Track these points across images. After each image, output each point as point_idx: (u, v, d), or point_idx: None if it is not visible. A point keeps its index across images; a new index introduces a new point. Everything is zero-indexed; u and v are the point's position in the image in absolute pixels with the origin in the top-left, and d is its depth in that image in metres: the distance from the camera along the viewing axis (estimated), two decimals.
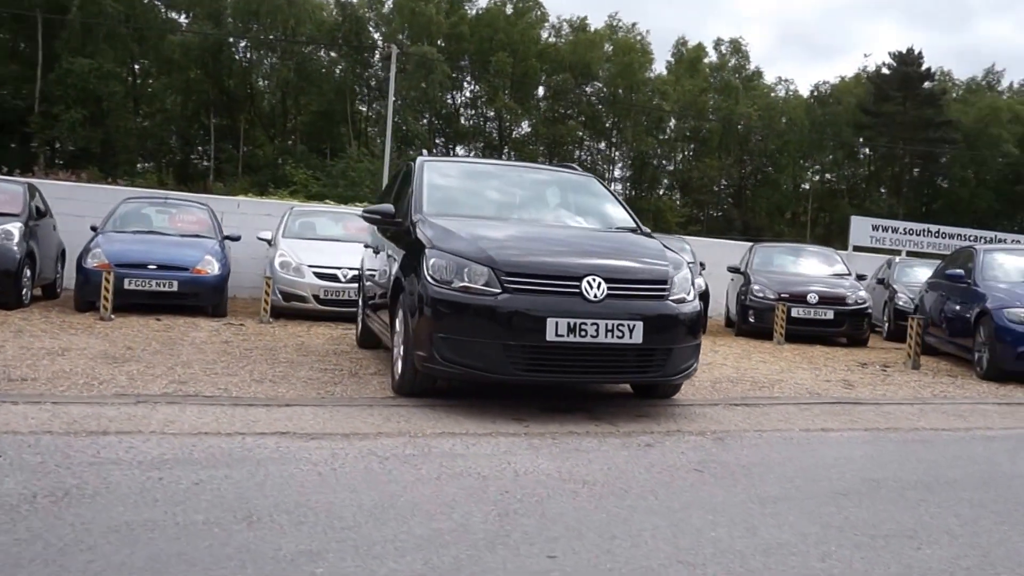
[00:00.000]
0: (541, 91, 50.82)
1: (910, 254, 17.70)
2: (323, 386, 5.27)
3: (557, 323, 4.40)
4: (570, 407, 4.93)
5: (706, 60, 53.36)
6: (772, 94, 54.70)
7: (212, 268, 9.82)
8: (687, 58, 53.03)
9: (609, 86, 50.30)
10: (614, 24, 52.46)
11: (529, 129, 51.69)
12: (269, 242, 11.02)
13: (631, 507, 3.02)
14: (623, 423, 4.59)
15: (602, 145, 54.86)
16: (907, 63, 50.16)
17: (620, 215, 6.04)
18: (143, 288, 9.27)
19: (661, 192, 53.51)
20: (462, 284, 4.55)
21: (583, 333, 4.43)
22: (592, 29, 51.25)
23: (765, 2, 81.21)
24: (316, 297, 9.86)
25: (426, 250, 4.79)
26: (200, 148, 47.88)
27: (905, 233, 18.84)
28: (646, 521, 2.86)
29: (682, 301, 4.84)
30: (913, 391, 6.74)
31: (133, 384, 4.88)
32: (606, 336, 4.47)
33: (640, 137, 50.60)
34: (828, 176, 55.81)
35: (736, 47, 53.21)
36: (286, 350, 7.07)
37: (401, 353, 4.98)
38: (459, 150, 52.04)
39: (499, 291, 4.47)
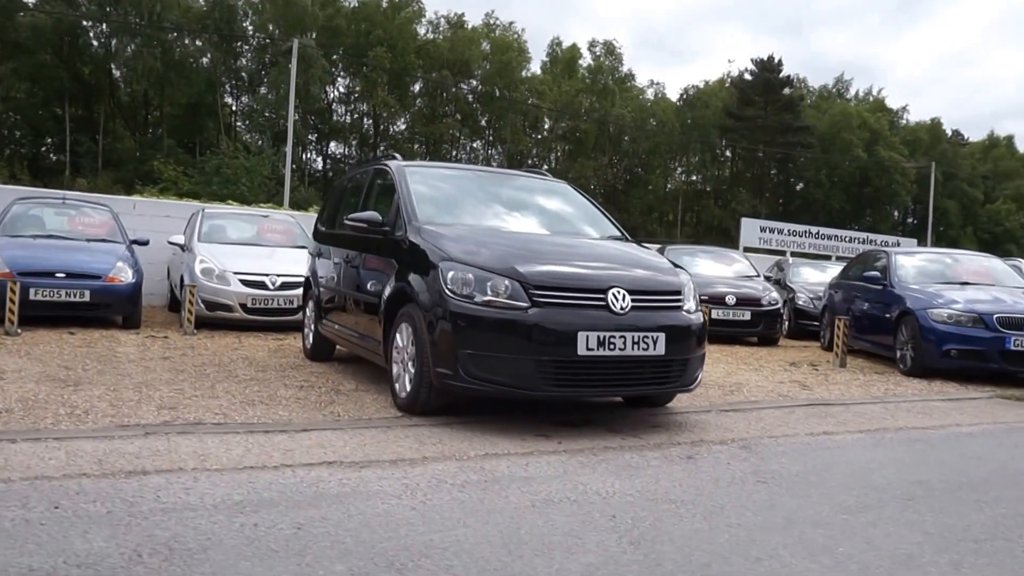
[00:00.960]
0: (418, 87, 50.38)
1: (793, 255, 18.83)
2: (321, 406, 4.96)
3: (587, 336, 4.35)
4: (577, 420, 4.87)
5: (581, 62, 54.69)
6: (642, 96, 56.79)
7: (126, 276, 9.09)
8: (562, 59, 54.11)
9: (486, 84, 50.54)
10: (491, 23, 52.81)
11: (404, 126, 51.16)
12: (182, 247, 10.31)
13: (740, 525, 3.02)
14: (644, 435, 4.59)
15: (477, 144, 55.18)
16: (768, 70, 53.48)
17: (606, 223, 6.06)
18: (51, 299, 8.45)
19: None
20: (486, 298, 4.41)
21: (611, 346, 4.41)
22: (470, 27, 51.33)
23: (621, 5, 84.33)
24: (243, 306, 9.31)
25: (441, 262, 4.61)
26: (51, 140, 44.18)
27: (789, 235, 20.03)
28: (768, 539, 2.87)
29: (691, 311, 4.91)
30: (863, 390, 7.16)
31: (120, 412, 4.42)
32: (632, 348, 4.46)
33: (517, 136, 51.19)
34: (695, 177, 58.60)
35: (610, 49, 54.87)
36: (238, 365, 6.63)
37: (409, 369, 4.76)
38: (332, 146, 50.81)
39: (528, 305, 4.36)
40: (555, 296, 4.41)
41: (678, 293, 4.85)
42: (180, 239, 10.42)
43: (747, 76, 55.08)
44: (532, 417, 4.83)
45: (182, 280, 9.82)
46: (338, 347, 7.14)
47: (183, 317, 8.98)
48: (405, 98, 47.83)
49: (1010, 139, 69.19)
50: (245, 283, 9.36)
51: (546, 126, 54.00)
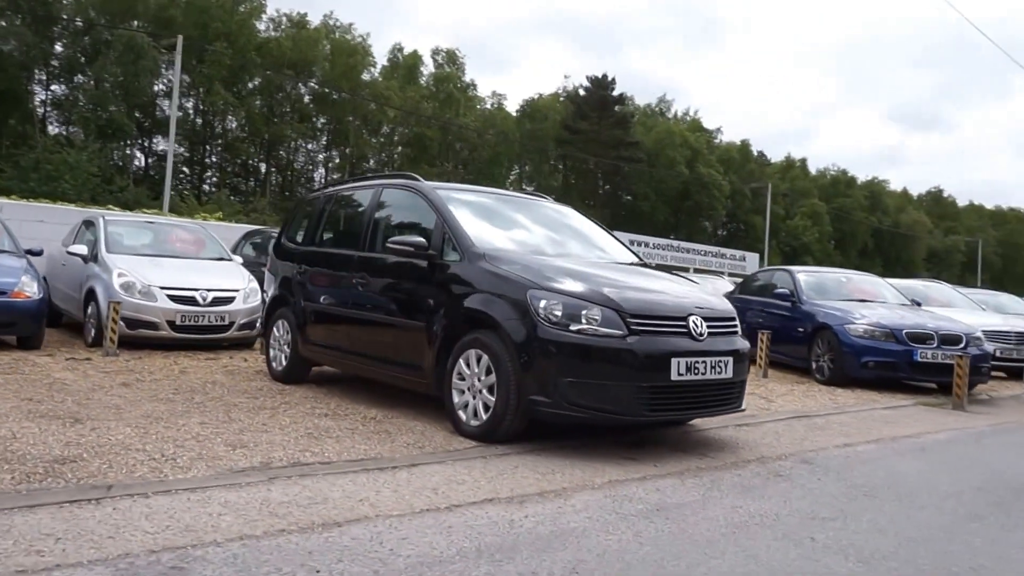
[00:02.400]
0: (253, 86, 48.05)
1: (657, 267, 20.08)
2: (386, 437, 4.74)
3: (679, 362, 4.54)
4: (631, 442, 5.03)
5: (423, 69, 54.72)
6: (482, 106, 57.69)
7: (32, 291, 8.19)
8: (404, 65, 53.83)
9: (329, 86, 49.23)
10: (331, 23, 51.49)
11: (235, 125, 48.63)
12: (84, 258, 9.33)
13: (915, 540, 3.33)
14: (707, 453, 4.84)
15: (312, 145, 53.52)
16: (602, 87, 56.20)
17: (624, 248, 6.27)
18: None
19: None
20: (581, 326, 4.47)
21: (696, 371, 4.63)
22: (312, 27, 49.74)
23: (438, 13, 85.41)
24: (171, 324, 8.61)
25: (530, 290, 4.61)
26: None
27: (655, 248, 21.28)
28: (971, 540, 3.21)
29: (741, 336, 5.23)
30: (812, 400, 7.87)
31: (197, 454, 4.02)
32: (710, 372, 4.71)
33: (361, 141, 50.30)
34: (531, 187, 60.26)
35: (452, 58, 55.26)
36: (217, 391, 6.19)
37: (486, 397, 4.70)
38: (159, 142, 47.36)
39: (625, 333, 4.47)
40: (649, 324, 4.56)
41: (734, 319, 5.15)
42: (81, 249, 9.42)
43: (582, 92, 57.61)
44: (593, 442, 4.92)
45: (90, 295, 8.92)
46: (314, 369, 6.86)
47: (105, 336, 8.14)
48: (243, 96, 45.41)
49: (804, 161, 77.26)
50: (173, 299, 8.68)
51: (385, 130, 53.38)
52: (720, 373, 4.77)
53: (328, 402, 5.97)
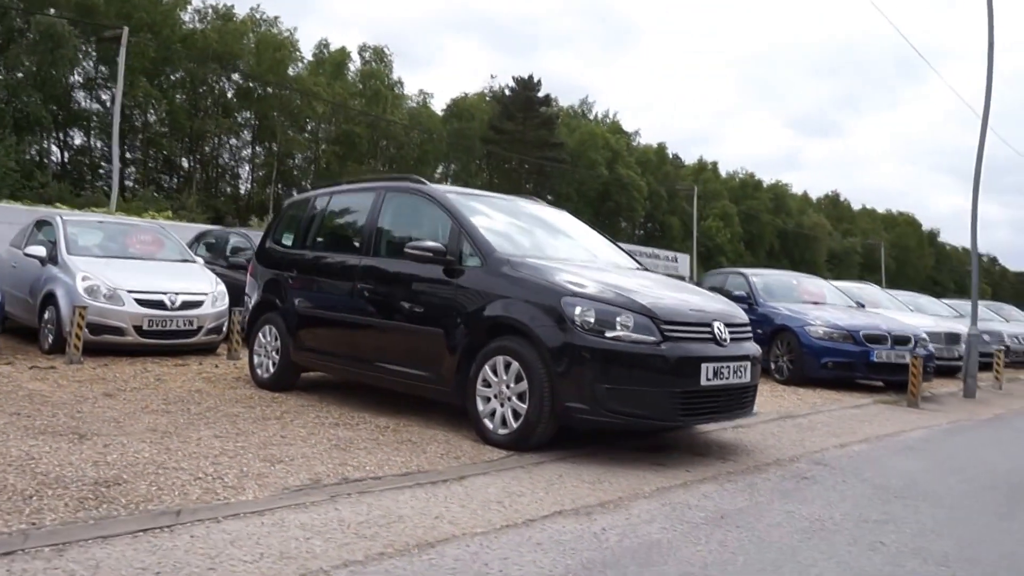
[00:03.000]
0: (175, 78, 46.19)
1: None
2: (413, 447, 4.71)
3: (708, 367, 4.70)
4: (650, 447, 5.15)
5: (351, 65, 53.78)
6: (408, 103, 57.17)
7: None
8: (331, 60, 52.81)
9: (255, 80, 47.84)
10: (257, 16, 50.02)
11: (155, 119, 46.60)
12: (42, 260, 8.87)
13: (969, 540, 3.57)
14: (728, 457, 5.03)
15: (235, 141, 51.90)
16: (528, 88, 56.59)
17: (622, 253, 6.40)
18: None
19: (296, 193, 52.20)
20: (616, 333, 4.56)
21: (721, 375, 4.80)
22: (238, 19, 48.16)
23: (354, 7, 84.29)
24: (138, 328, 8.28)
25: (564, 297, 4.67)
26: None
27: None
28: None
29: (753, 341, 5.43)
30: (787, 401, 8.21)
31: (244, 467, 3.92)
32: (733, 377, 4.89)
33: (289, 138, 49.12)
34: (459, 186, 60.16)
35: (379, 55, 54.51)
36: (209, 400, 6.04)
37: (516, 404, 4.74)
38: (75, 136, 45.03)
39: (659, 339, 4.58)
40: (680, 330, 4.69)
41: (748, 324, 5.35)
42: (39, 250, 8.93)
43: (508, 92, 57.90)
44: (610, 448, 5.02)
45: (48, 299, 8.48)
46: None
47: (69, 343, 7.76)
48: (165, 89, 43.55)
49: (715, 164, 79.74)
50: (141, 303, 8.34)
51: (312, 126, 52.24)
52: (741, 377, 4.95)
53: (329, 410, 5.88)
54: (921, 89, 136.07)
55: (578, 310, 4.60)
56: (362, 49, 54.39)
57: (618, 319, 4.58)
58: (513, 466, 4.41)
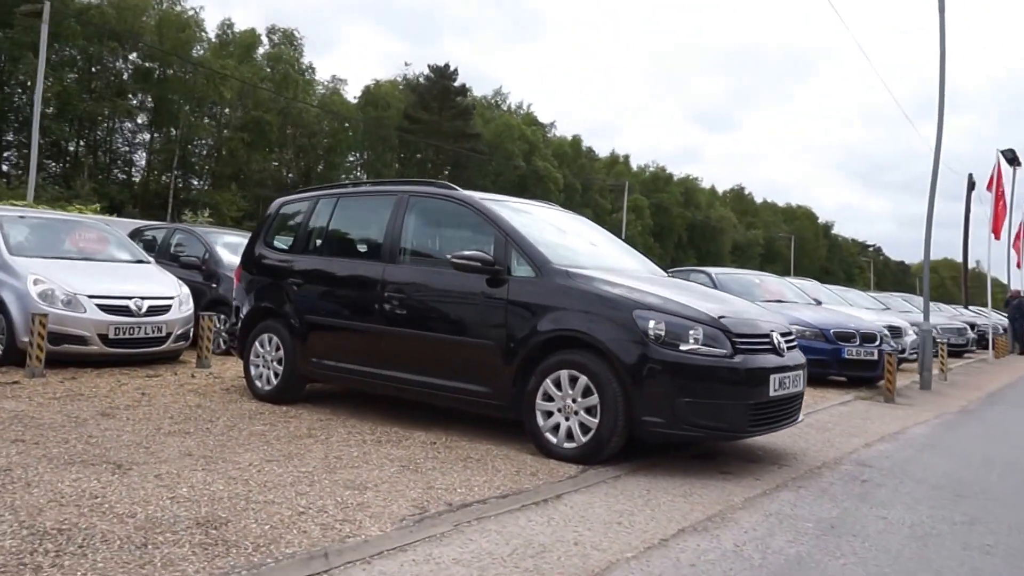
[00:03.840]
0: (67, 56, 43.14)
1: None
2: (480, 465, 4.47)
3: (774, 378, 4.68)
4: (689, 455, 5.12)
5: (261, 49, 51.66)
6: (320, 89, 55.54)
7: None
8: (239, 43, 50.60)
9: (156, 61, 45.30)
10: None
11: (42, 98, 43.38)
12: None
13: None
14: (779, 463, 5.03)
15: (129, 124, 49.01)
16: (444, 77, 55.94)
17: (647, 260, 6.33)
18: None
19: (203, 183, 49.82)
20: (689, 346, 4.48)
21: (784, 386, 4.79)
22: None
23: None
24: (103, 337, 7.64)
25: (636, 310, 4.55)
26: None
27: None
28: None
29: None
30: None
31: (336, 496, 3.60)
32: (791, 386, 4.89)
33: (195, 123, 46.83)
34: (373, 177, 59.03)
35: (289, 38, 52.58)
36: (219, 415, 5.61)
37: (585, 419, 4.60)
38: None
39: (731, 352, 4.53)
40: (749, 342, 4.65)
41: (792, 333, 5.37)
42: None
43: (423, 81, 57.07)
44: (668, 459, 4.95)
45: None
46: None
47: (30, 354, 7.08)
48: (56, 67, 40.55)
49: (627, 157, 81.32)
50: (104, 309, 7.70)
51: (217, 112, 49.96)
52: (797, 387, 4.97)
53: (354, 425, 5.56)
54: (809, 87, 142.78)
55: (652, 323, 4.49)
56: (271, 31, 52.37)
57: (690, 332, 4.50)
58: (595, 481, 4.27)
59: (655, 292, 4.79)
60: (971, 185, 31.24)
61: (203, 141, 49.07)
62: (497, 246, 5.18)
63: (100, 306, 7.68)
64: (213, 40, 49.79)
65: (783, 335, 5.06)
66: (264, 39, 52.05)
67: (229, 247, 10.64)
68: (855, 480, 4.71)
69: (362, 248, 6.25)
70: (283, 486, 3.83)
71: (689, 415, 4.40)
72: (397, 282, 5.59)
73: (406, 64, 70.83)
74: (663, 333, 4.47)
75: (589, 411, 4.59)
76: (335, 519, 3.34)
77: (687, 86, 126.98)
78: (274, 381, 6.39)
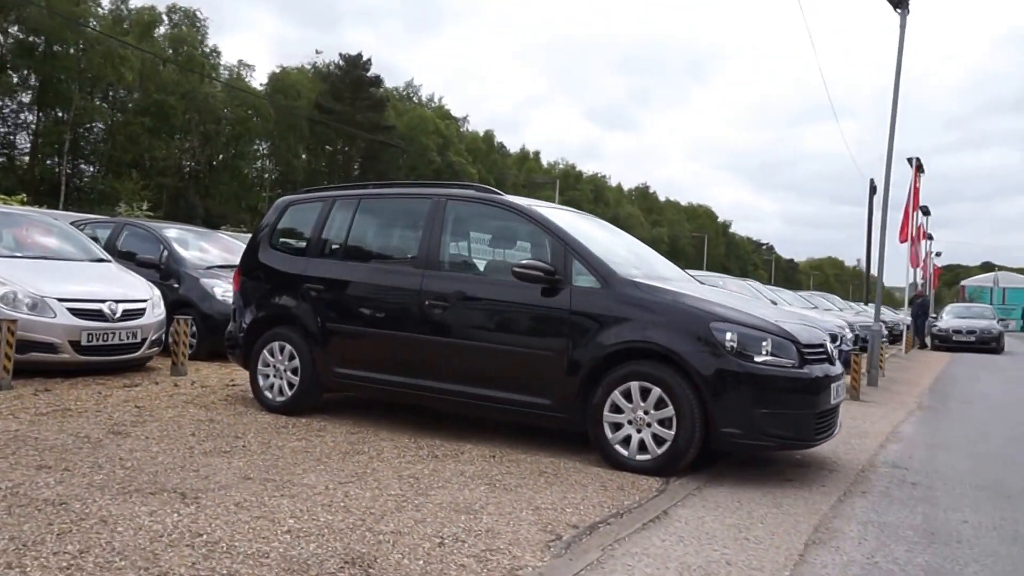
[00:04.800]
0: None
1: None
2: (559, 480, 4.38)
3: (833, 387, 4.81)
4: (741, 462, 5.21)
5: (162, 29, 49.04)
6: (226, 74, 53.26)
7: None
8: (138, 20, 47.81)
9: (40, 35, 42.08)
10: None
11: None
12: None
13: None
14: (827, 467, 5.17)
15: (9, 103, 45.51)
16: (357, 67, 54.70)
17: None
18: None
19: (98, 170, 46.84)
20: (764, 358, 4.53)
21: (838, 394, 4.93)
22: None
23: None
24: (75, 344, 7.08)
25: (712, 322, 4.56)
26: None
27: None
28: None
29: None
30: None
31: (450, 523, 3.43)
32: (841, 395, 5.04)
33: (88, 105, 43.97)
34: (280, 167, 57.10)
35: (191, 18, 50.07)
36: (243, 430, 5.31)
37: (660, 431, 4.58)
38: None
39: (799, 363, 4.61)
40: (813, 353, 4.74)
41: (836, 340, 5.52)
42: None
43: (335, 70, 55.64)
44: (731, 467, 5.03)
45: None
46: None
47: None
48: None
49: (538, 154, 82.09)
50: (76, 313, 7.13)
51: (111, 95, 47.10)
52: (842, 395, 5.11)
53: (395, 438, 5.34)
54: (706, 89, 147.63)
55: (728, 335, 4.52)
56: (171, 10, 49.68)
57: (763, 343, 4.56)
58: (684, 494, 4.28)
59: (723, 303, 4.83)
60: (872, 189, 33.10)
61: (97, 125, 46.18)
62: (555, 255, 5.08)
63: (71, 310, 7.10)
64: (106, 16, 46.84)
65: (831, 343, 5.20)
66: (164, 18, 49.49)
67: (187, 244, 10.08)
68: (904, 483, 4.89)
69: (394, 253, 6.03)
70: (390, 512, 3.64)
71: (766, 426, 4.46)
72: (440, 290, 5.40)
73: (317, 52, 68.55)
74: (736, 344, 4.51)
75: (662, 423, 4.58)
76: (480, 549, 3.19)
77: (584, 83, 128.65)
78: (288, 392, 6.08)
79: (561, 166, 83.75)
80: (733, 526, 3.73)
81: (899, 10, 10.83)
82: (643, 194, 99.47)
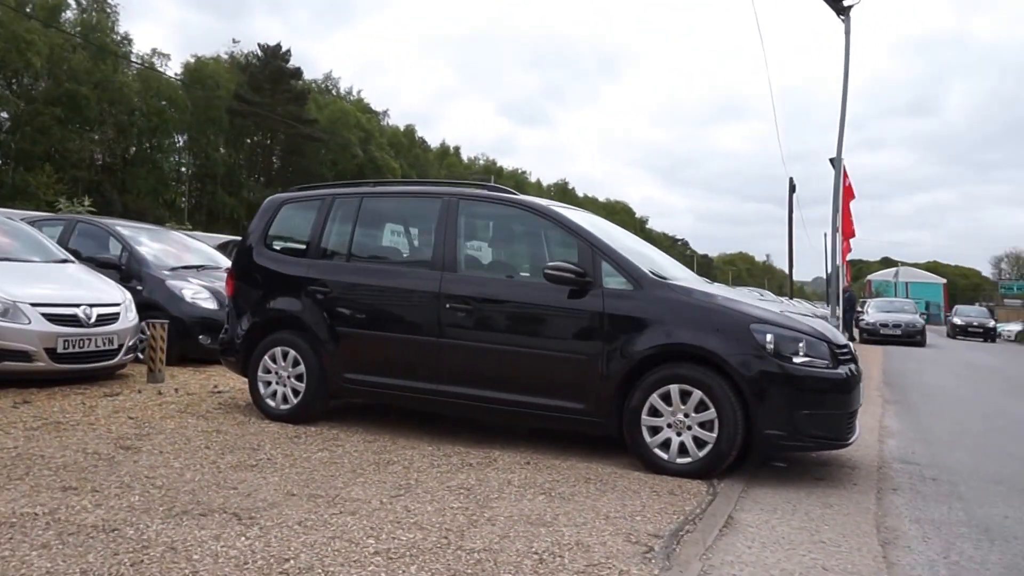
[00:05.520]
0: None
1: None
2: (609, 487, 4.35)
3: (859, 387, 4.96)
4: (754, 461, 5.34)
5: (69, 14, 46.45)
6: (140, 62, 50.91)
7: None
8: (40, 5, 45.11)
9: None
10: None
11: None
12: None
13: None
14: (846, 466, 5.33)
15: None
16: (277, 58, 53.19)
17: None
18: None
19: (4, 162, 44.16)
20: (802, 359, 4.63)
21: (861, 395, 5.09)
22: None
23: None
24: (50, 352, 6.66)
25: (753, 324, 4.64)
26: None
27: None
28: None
29: None
30: None
31: (535, 539, 3.36)
32: (862, 396, 5.20)
33: None
34: (199, 161, 55.04)
35: (100, 4, 47.58)
36: (257, 441, 5.10)
37: (701, 434, 4.63)
38: None
39: (833, 363, 4.73)
40: (843, 354, 4.87)
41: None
42: None
43: (254, 61, 53.98)
44: (759, 467, 5.14)
45: None
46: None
47: None
48: None
49: (458, 149, 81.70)
50: (51, 319, 6.71)
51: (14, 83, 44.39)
52: (863, 396, 5.28)
53: (417, 445, 5.23)
54: (619, 87, 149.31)
55: (768, 336, 4.60)
56: None
57: (799, 344, 4.65)
58: (735, 497, 4.32)
59: (754, 303, 4.92)
60: (792, 188, 34.41)
61: (2, 114, 43.47)
62: (582, 256, 5.07)
63: (46, 316, 6.67)
64: None
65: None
66: (71, 2, 46.92)
67: (142, 244, 9.59)
68: (925, 480, 5.08)
69: (405, 254, 5.89)
70: (467, 528, 3.54)
71: (807, 426, 4.56)
72: (462, 292, 5.30)
73: (234, 42, 66.23)
74: (775, 346, 4.60)
75: (703, 425, 4.63)
76: (582, 565, 3.13)
77: (497, 78, 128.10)
78: (293, 400, 5.88)
79: (482, 162, 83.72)
80: (801, 529, 3.80)
81: (842, 17, 11.27)
82: (562, 190, 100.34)
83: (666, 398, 4.71)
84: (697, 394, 4.64)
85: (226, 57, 56.39)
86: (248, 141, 55.95)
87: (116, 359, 7.19)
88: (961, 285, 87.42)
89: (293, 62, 54.91)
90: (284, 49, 54.06)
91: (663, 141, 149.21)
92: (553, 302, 5.03)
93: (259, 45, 54.70)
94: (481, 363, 5.23)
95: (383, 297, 5.66)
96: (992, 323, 34.78)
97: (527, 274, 5.55)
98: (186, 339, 8.59)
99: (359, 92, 69.49)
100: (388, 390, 5.59)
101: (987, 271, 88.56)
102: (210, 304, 8.89)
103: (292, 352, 5.89)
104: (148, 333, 7.49)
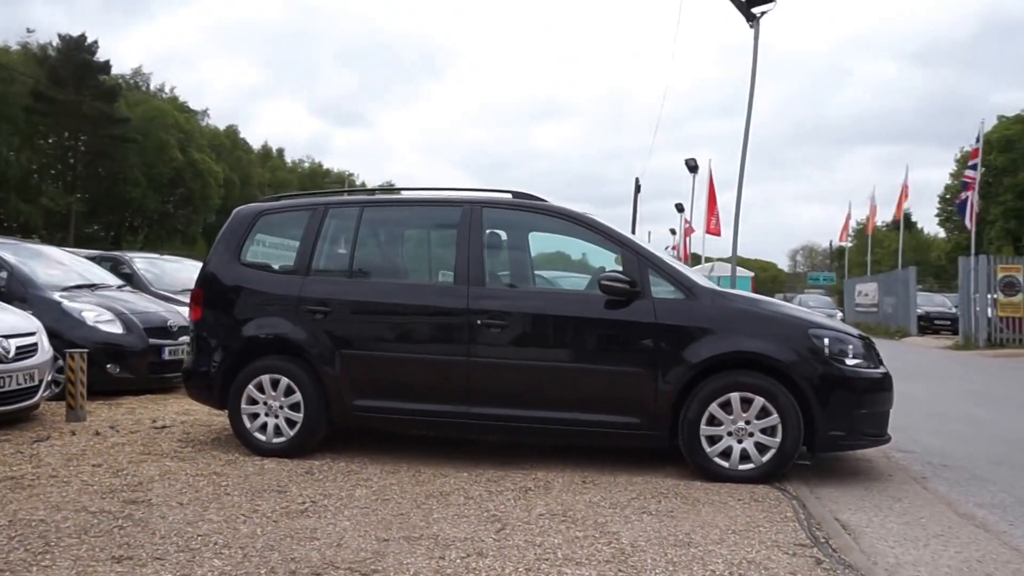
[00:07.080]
0: None
1: None
2: (683, 501, 4.28)
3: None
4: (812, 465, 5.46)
5: None
6: None
7: None
8: None
9: None
10: None
11: None
12: None
13: None
14: (884, 462, 5.52)
15: None
16: (82, 50, 48.25)
17: None
18: None
19: None
20: (853, 361, 4.78)
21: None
22: None
23: None
24: None
25: (811, 328, 4.74)
26: None
27: None
28: None
29: None
30: None
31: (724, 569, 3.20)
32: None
33: None
34: None
35: None
36: (270, 480, 4.56)
37: (763, 440, 4.66)
38: None
39: (875, 364, 4.93)
40: (877, 355, 5.09)
41: None
42: None
43: (53, 53, 48.58)
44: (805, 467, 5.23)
45: None
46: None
47: None
48: None
49: (282, 151, 78.06)
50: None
51: None
52: None
53: (457, 474, 4.78)
54: (440, 86, 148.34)
55: (826, 340, 4.72)
56: None
57: (850, 347, 4.82)
58: (814, 499, 4.38)
59: (804, 310, 5.05)
60: (637, 188, 36.10)
61: None
62: (628, 265, 4.96)
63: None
64: None
65: None
66: None
67: (27, 261, 8.33)
68: (946, 467, 5.40)
69: (421, 267, 5.50)
70: (620, 556, 3.33)
71: (863, 426, 4.74)
72: (494, 308, 5.00)
73: (29, 31, 59.04)
74: (829, 349, 4.73)
75: (764, 431, 4.67)
76: None
77: (308, 77, 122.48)
78: (289, 432, 5.30)
79: (307, 164, 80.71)
80: (911, 524, 3.91)
81: (751, 23, 11.92)
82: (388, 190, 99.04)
83: (725, 406, 4.70)
84: (760, 401, 4.66)
85: (17, 48, 50.48)
86: (48, 142, 50.36)
87: (36, 397, 6.15)
88: (761, 277, 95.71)
89: (100, 55, 50.06)
90: (90, 40, 49.05)
91: (486, 141, 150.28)
92: (600, 314, 4.88)
93: (59, 35, 49.29)
94: (518, 381, 4.97)
95: (401, 315, 5.23)
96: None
97: (565, 285, 5.36)
98: (92, 368, 7.50)
99: (172, 89, 64.50)
100: (408, 415, 5.18)
101: (783, 264, 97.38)
102: (115, 328, 7.87)
103: (284, 380, 5.30)
104: (67, 365, 6.46)
